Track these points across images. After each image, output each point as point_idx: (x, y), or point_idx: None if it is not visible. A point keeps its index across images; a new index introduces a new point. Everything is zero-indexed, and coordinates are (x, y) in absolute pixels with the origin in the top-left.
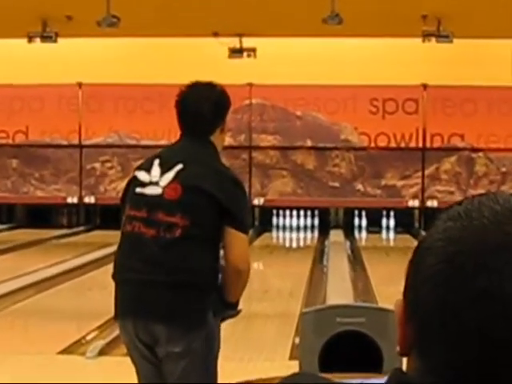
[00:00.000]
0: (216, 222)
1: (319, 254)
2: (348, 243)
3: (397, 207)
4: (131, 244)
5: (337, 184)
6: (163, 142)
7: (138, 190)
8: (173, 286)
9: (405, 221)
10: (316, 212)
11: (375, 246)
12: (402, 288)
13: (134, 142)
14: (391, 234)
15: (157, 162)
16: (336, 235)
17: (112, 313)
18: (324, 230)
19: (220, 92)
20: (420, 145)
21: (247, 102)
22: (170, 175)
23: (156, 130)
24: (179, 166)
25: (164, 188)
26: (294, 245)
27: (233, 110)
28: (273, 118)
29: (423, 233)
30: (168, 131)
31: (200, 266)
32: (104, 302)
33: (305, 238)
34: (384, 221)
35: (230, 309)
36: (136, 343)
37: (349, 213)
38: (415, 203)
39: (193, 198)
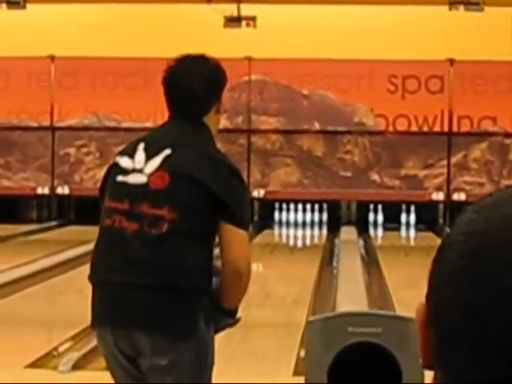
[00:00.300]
0: (209, 215)
1: (328, 255)
2: (361, 242)
3: (418, 201)
4: (110, 240)
5: (349, 174)
6: (148, 125)
7: (120, 178)
8: (157, 288)
9: (427, 216)
10: (325, 206)
11: (393, 245)
12: (423, 293)
13: (114, 125)
14: (411, 232)
15: (141, 146)
16: (348, 233)
17: (88, 320)
18: (334, 227)
19: (214, 66)
20: (445, 129)
21: (246, 78)
22: (157, 161)
23: (140, 111)
24: (167, 151)
25: (149, 176)
26: (299, 244)
27: (229, 88)
28: (275, 97)
29: (448, 230)
30: (154, 112)
31: (189, 266)
32: (79, 307)
33: (311, 236)
34: (403, 216)
35: (227, 317)
36: (116, 355)
37: (363, 207)
38: (439, 196)
39: (182, 187)
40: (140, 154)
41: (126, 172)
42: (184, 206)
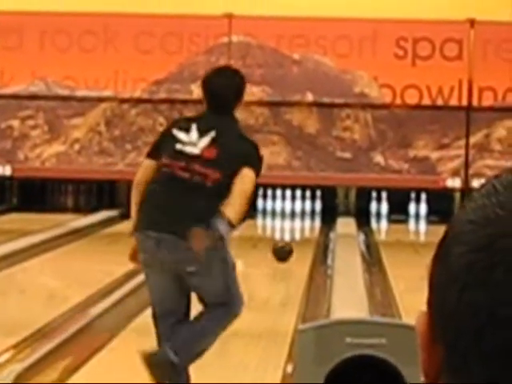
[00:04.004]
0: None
1: (322, 251)
2: (362, 236)
3: (430, 188)
4: (166, 180)
5: (347, 155)
6: (108, 94)
7: (179, 146)
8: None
9: (441, 207)
10: (318, 193)
11: (399, 240)
12: None
13: (66, 93)
14: (422, 225)
15: (194, 126)
16: (345, 225)
17: (33, 327)
18: (329, 218)
19: (240, 78)
20: (464, 102)
21: (225, 39)
22: (206, 140)
23: (98, 77)
24: (212, 134)
25: (202, 149)
26: (287, 237)
27: (205, 51)
28: (260, 62)
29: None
30: (114, 78)
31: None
32: (21, 311)
33: (302, 229)
34: (412, 206)
35: (227, 225)
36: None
37: (363, 195)
38: (456, 183)
39: (225, 158)
40: (194, 132)
41: (183, 143)
42: (224, 171)
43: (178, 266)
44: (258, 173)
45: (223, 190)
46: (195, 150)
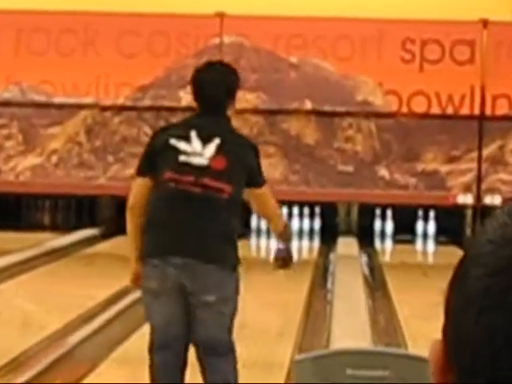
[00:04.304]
0: (244, 186)
1: (321, 274)
2: (365, 258)
3: (440, 204)
4: (174, 199)
5: (349, 168)
6: (88, 100)
7: (183, 158)
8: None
9: (451, 225)
10: (317, 210)
11: (405, 262)
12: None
13: (43, 99)
14: (430, 245)
15: (194, 133)
16: (347, 245)
17: (7, 356)
18: (329, 238)
19: (233, 74)
20: (476, 111)
21: (216, 40)
22: (212, 148)
23: (78, 82)
24: (217, 140)
25: (209, 159)
26: None
27: (195, 54)
28: (254, 65)
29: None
30: (96, 83)
31: (234, 222)
32: None
33: (300, 249)
34: (420, 225)
35: (280, 237)
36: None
37: (367, 212)
38: (467, 199)
39: (235, 169)
40: (195, 140)
41: (187, 154)
42: (237, 182)
43: (196, 295)
44: (265, 180)
45: (235, 205)
46: (203, 161)
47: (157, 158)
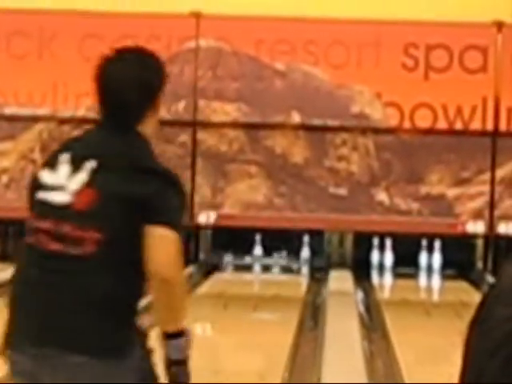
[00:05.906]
0: (141, 236)
1: (310, 313)
2: (360, 294)
3: (446, 233)
4: (32, 259)
5: (343, 191)
6: (44, 112)
7: (41, 195)
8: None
9: (460, 257)
10: (305, 238)
11: (407, 299)
12: (452, 371)
13: None
14: (435, 280)
15: (65, 157)
16: (340, 280)
17: None
18: (319, 271)
19: (151, 67)
20: (489, 126)
21: (191, 44)
22: (82, 177)
23: (32, 91)
24: (92, 164)
25: (74, 194)
26: (268, 294)
27: (167, 59)
28: (235, 73)
29: (491, 279)
30: (52, 92)
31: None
32: None
33: (285, 284)
34: (423, 257)
35: (172, 339)
36: None
37: (363, 241)
38: (478, 227)
39: (111, 207)
40: (64, 168)
41: (46, 188)
42: (115, 223)
43: None
44: (180, 227)
45: (111, 259)
46: (64, 198)
47: (29, 199)
